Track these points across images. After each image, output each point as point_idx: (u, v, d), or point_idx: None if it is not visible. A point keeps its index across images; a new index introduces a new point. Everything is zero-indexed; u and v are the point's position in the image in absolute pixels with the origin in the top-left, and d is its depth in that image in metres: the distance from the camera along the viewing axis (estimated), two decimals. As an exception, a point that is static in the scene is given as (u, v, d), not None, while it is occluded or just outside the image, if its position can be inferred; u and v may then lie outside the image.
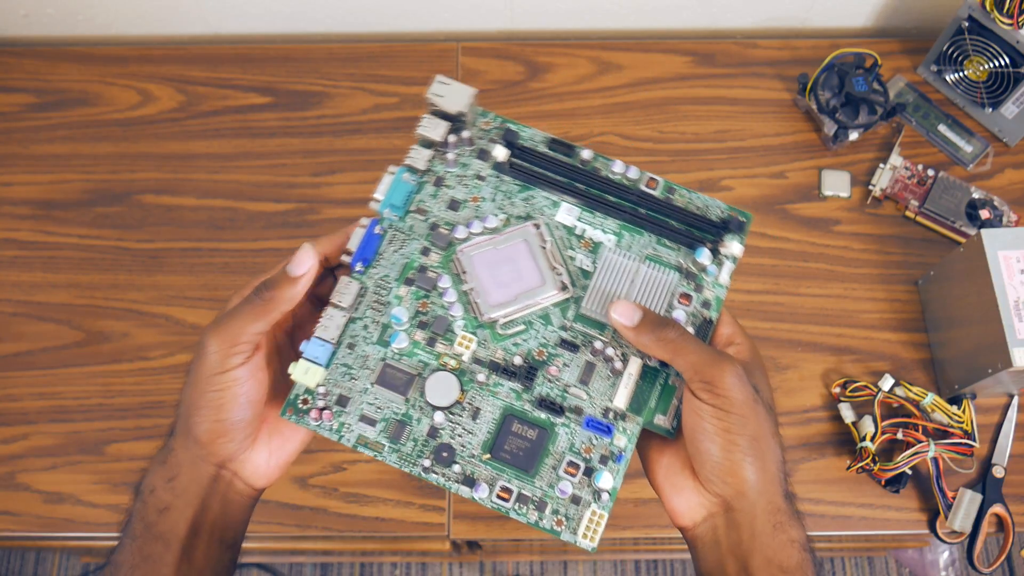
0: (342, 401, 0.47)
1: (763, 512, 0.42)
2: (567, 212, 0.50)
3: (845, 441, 0.75)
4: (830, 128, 0.82)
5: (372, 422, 0.46)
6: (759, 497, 0.42)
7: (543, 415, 0.46)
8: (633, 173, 0.50)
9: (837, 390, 0.76)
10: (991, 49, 0.79)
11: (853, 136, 0.82)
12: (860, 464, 0.71)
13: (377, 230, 0.48)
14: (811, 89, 0.82)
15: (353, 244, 0.48)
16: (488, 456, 0.46)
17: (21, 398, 0.78)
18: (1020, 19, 0.75)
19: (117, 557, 0.44)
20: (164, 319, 0.80)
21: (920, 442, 0.71)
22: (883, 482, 0.72)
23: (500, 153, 0.49)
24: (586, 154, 0.50)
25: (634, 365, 0.46)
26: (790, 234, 0.82)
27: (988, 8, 0.76)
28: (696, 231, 0.49)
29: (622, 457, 0.46)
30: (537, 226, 0.49)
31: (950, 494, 0.72)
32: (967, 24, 0.79)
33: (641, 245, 0.49)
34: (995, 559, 0.72)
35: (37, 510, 0.75)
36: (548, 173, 0.50)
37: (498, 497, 0.45)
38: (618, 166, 0.50)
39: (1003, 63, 0.79)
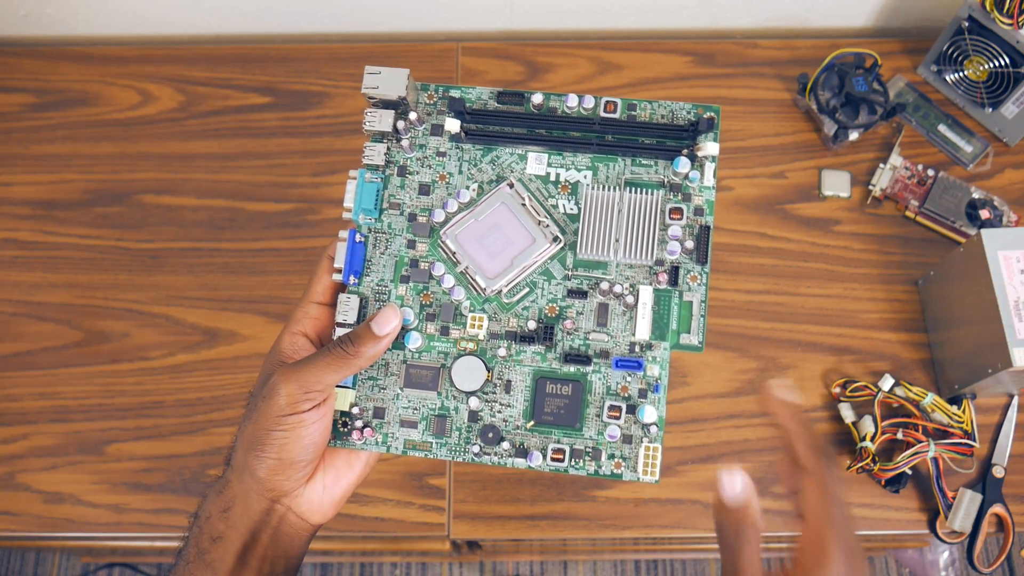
0: (379, 413, 0.47)
1: None
2: (536, 161, 0.49)
3: (845, 441, 0.75)
4: (830, 128, 0.82)
5: (413, 424, 0.47)
6: None
7: (572, 368, 0.47)
8: (589, 103, 0.49)
9: (837, 390, 0.76)
10: (991, 49, 0.79)
11: (853, 136, 0.82)
12: (860, 464, 0.71)
13: (358, 239, 0.48)
14: (811, 89, 0.82)
15: (339, 260, 0.48)
16: (532, 423, 0.46)
17: (21, 398, 0.78)
18: (1020, 19, 0.75)
19: None
20: (164, 319, 0.80)
21: (920, 442, 0.71)
22: (883, 482, 0.72)
23: (452, 125, 0.49)
24: (537, 98, 0.49)
25: (646, 293, 0.46)
26: (790, 234, 0.82)
27: (988, 8, 0.76)
28: (669, 141, 0.48)
29: (659, 386, 0.46)
30: (511, 185, 0.49)
31: (950, 494, 0.72)
32: (967, 24, 0.79)
33: (618, 172, 0.49)
34: (995, 559, 0.72)
35: (37, 510, 0.75)
36: (506, 128, 0.49)
37: (553, 459, 0.46)
38: (572, 100, 0.49)
39: (1003, 63, 0.79)
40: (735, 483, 0.41)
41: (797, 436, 0.42)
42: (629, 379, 0.46)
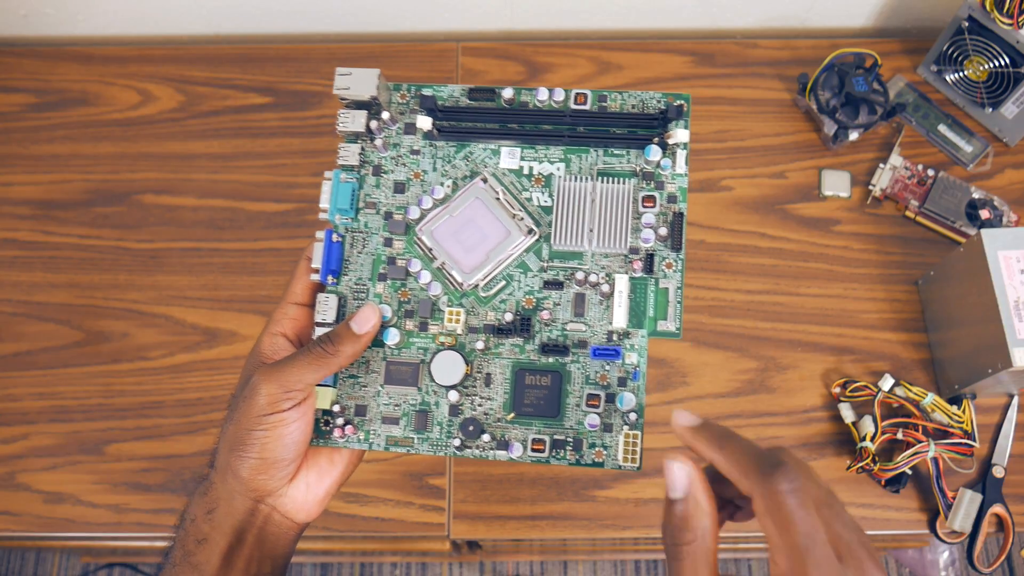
0: (360, 411, 0.47)
1: None
2: (509, 156, 0.49)
3: (845, 441, 0.75)
4: (830, 128, 0.82)
5: (395, 420, 0.47)
6: None
7: (551, 359, 0.47)
8: (559, 95, 0.49)
9: (837, 390, 0.76)
10: (991, 49, 0.79)
11: (853, 136, 0.82)
12: (860, 464, 0.71)
13: (335, 238, 0.49)
14: (811, 89, 0.82)
15: (316, 260, 0.48)
16: (512, 415, 0.46)
17: (21, 398, 0.78)
18: (1020, 19, 0.75)
19: None
20: (164, 319, 0.80)
21: (920, 442, 0.71)
22: (883, 482, 0.72)
23: (424, 123, 0.49)
24: (508, 93, 0.50)
25: (622, 282, 0.47)
26: (790, 234, 0.82)
27: (988, 8, 0.76)
28: (640, 130, 0.49)
29: (638, 373, 0.46)
30: (485, 180, 0.49)
31: (950, 494, 0.72)
32: (967, 24, 0.79)
33: (590, 163, 0.49)
34: (995, 559, 0.72)
35: (37, 510, 0.75)
36: (478, 124, 0.50)
37: (533, 451, 0.46)
38: (542, 94, 0.49)
39: (1003, 63, 0.79)
40: (676, 473, 0.36)
41: (730, 456, 0.35)
42: (608, 367, 0.47)
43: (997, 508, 0.72)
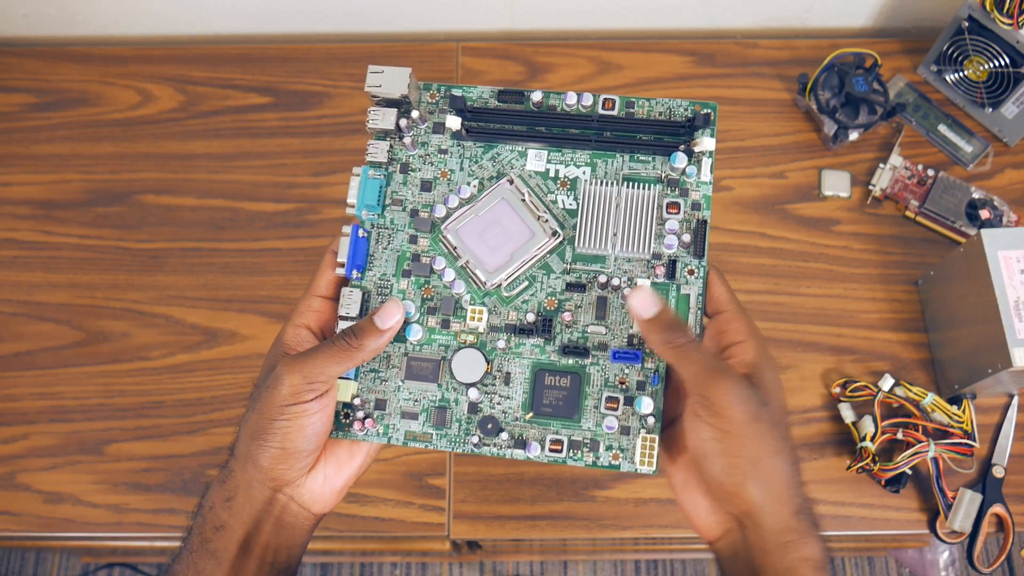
0: (380, 405, 0.48)
1: (771, 531, 0.41)
2: (536, 158, 0.50)
3: (845, 441, 0.75)
4: (830, 128, 0.82)
5: (414, 416, 0.47)
6: (765, 517, 0.41)
7: (571, 361, 0.47)
8: (587, 100, 0.50)
9: (837, 390, 0.76)
10: (991, 49, 0.79)
11: (853, 136, 0.82)
12: (860, 464, 0.71)
13: (361, 234, 0.49)
14: (811, 89, 0.82)
15: (342, 255, 0.48)
16: (531, 415, 0.47)
17: (21, 398, 0.78)
18: (1020, 19, 0.75)
19: (175, 567, 0.45)
20: (164, 319, 0.80)
21: (920, 442, 0.71)
22: (883, 482, 0.72)
23: (453, 122, 0.49)
24: (537, 96, 0.50)
25: (644, 286, 0.47)
26: (790, 234, 0.82)
27: (988, 8, 0.76)
28: (666, 137, 0.49)
29: (657, 378, 0.46)
30: (511, 181, 0.49)
31: (950, 494, 0.72)
32: (967, 24, 0.79)
33: (616, 168, 0.49)
34: (995, 559, 0.72)
35: (37, 510, 0.75)
36: (506, 126, 0.50)
37: (551, 451, 0.46)
38: (571, 98, 0.50)
39: (1003, 63, 0.79)
40: (646, 292, 0.43)
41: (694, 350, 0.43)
42: (627, 371, 0.47)
43: (997, 508, 0.72)
